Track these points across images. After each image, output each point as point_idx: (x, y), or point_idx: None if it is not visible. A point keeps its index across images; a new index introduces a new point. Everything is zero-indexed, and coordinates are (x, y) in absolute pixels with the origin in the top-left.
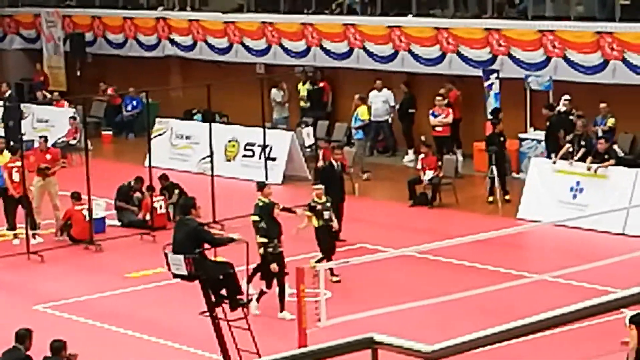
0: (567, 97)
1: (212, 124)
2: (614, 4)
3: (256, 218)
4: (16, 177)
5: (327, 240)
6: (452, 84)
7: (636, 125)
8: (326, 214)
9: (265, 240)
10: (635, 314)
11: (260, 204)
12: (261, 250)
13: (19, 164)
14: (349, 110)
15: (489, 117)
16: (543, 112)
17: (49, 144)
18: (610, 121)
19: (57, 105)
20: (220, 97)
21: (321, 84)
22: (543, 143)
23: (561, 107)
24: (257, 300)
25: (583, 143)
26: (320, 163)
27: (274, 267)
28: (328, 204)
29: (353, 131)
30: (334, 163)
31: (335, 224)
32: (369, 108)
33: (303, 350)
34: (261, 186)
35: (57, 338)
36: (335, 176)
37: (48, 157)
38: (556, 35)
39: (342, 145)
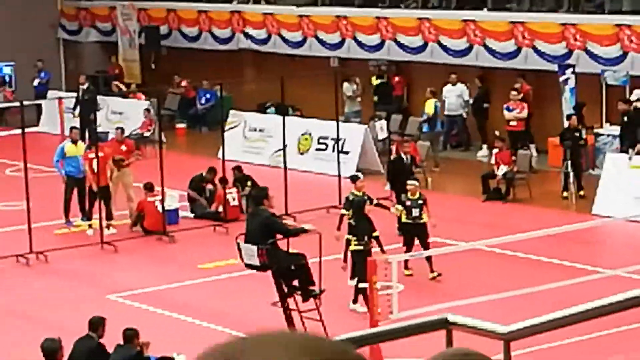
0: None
1: (286, 117)
2: None
3: (344, 212)
4: (96, 168)
5: (409, 238)
6: (523, 78)
7: None
8: (415, 211)
9: (351, 237)
10: None
11: (351, 197)
12: (351, 247)
13: (100, 154)
14: (423, 104)
15: (572, 111)
16: (619, 107)
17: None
18: None
19: (134, 98)
20: (294, 90)
21: (394, 78)
22: (618, 139)
23: (637, 103)
24: (355, 300)
25: None
26: (394, 156)
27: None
28: (420, 202)
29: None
30: (403, 156)
31: (427, 220)
32: (443, 103)
33: (381, 328)
34: (354, 179)
35: (129, 327)
36: (405, 169)
37: (123, 148)
38: (633, 29)
39: (415, 139)
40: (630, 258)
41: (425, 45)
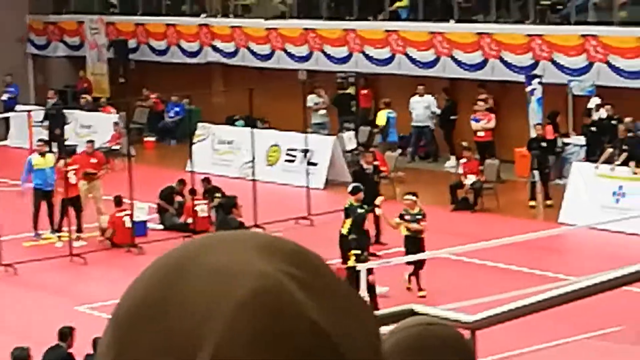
0: (597, 100)
1: (254, 130)
2: None
3: (347, 229)
4: (73, 179)
5: (412, 251)
6: (483, 88)
7: None
8: (413, 225)
9: (358, 252)
10: None
11: (350, 208)
12: (350, 262)
13: (75, 166)
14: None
15: (539, 121)
16: (585, 122)
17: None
18: None
19: (103, 111)
20: (262, 103)
21: (361, 90)
22: (585, 148)
23: (602, 114)
24: None
25: (625, 147)
26: (355, 168)
27: (372, 279)
28: (419, 217)
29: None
30: (365, 167)
31: (414, 226)
32: (410, 114)
33: None
34: (356, 191)
35: (99, 336)
36: (368, 179)
37: (94, 160)
38: (599, 40)
39: (383, 149)
40: (596, 266)
41: (393, 57)
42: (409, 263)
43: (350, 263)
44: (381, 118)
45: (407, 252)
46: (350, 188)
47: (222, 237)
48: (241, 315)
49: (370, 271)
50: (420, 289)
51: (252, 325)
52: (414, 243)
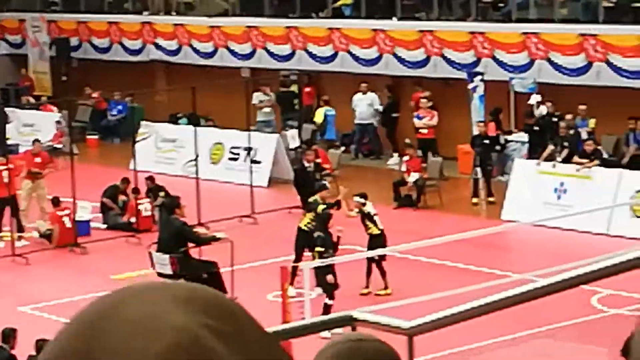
0: (538, 97)
1: (198, 128)
2: (597, 6)
3: (305, 224)
4: (6, 178)
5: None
6: (419, 86)
7: (619, 127)
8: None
9: (322, 249)
10: None
11: (313, 204)
12: (316, 260)
13: (10, 165)
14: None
15: (482, 118)
16: (526, 121)
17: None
18: (592, 122)
19: (44, 109)
20: (206, 101)
21: (304, 88)
22: (527, 145)
23: (542, 110)
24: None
25: (566, 144)
26: (297, 166)
27: (330, 278)
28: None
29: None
30: (307, 164)
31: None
32: (354, 111)
33: (285, 326)
34: (322, 188)
35: (42, 337)
36: (308, 177)
37: (38, 160)
38: (540, 37)
39: (325, 147)
40: (539, 262)
41: (336, 54)
42: (370, 263)
43: (316, 261)
44: (319, 115)
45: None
46: (317, 185)
47: (141, 289)
48: None
49: (330, 271)
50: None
51: None
52: (379, 242)
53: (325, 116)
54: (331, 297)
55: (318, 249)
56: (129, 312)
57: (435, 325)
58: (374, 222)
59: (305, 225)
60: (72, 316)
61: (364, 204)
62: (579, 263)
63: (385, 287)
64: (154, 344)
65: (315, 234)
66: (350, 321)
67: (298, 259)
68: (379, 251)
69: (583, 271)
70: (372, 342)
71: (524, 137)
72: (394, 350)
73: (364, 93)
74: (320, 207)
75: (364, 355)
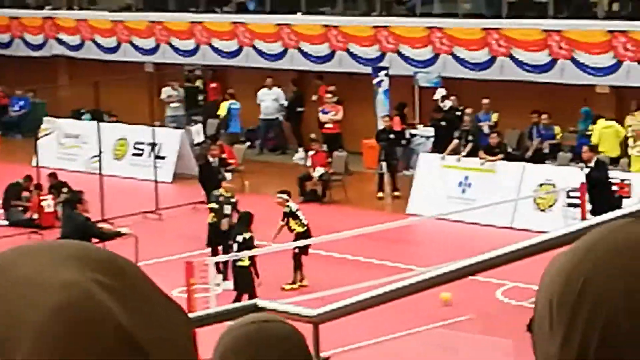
0: (443, 92)
1: (101, 123)
2: (500, 1)
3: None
4: None
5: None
6: (320, 80)
7: (523, 121)
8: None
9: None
10: None
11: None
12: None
13: None
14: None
15: (387, 112)
16: (434, 116)
17: None
18: (495, 116)
19: None
20: (109, 96)
21: (210, 83)
22: (432, 139)
23: (447, 105)
24: None
25: (471, 138)
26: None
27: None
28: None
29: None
30: (211, 160)
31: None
32: (259, 106)
33: (192, 315)
34: (222, 180)
35: None
36: (213, 172)
37: None
38: (444, 32)
39: (230, 142)
40: (443, 255)
41: (241, 49)
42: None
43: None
44: (223, 109)
45: (300, 249)
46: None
47: (31, 249)
48: (49, 323)
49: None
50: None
51: (61, 332)
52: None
53: (230, 110)
54: (251, 295)
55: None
56: (19, 272)
57: (339, 312)
58: (299, 219)
59: (212, 219)
60: None
61: (287, 200)
62: (481, 257)
63: (294, 282)
64: (45, 300)
65: (240, 238)
66: (255, 310)
67: (215, 252)
68: (289, 245)
69: (474, 261)
70: (276, 323)
71: (429, 131)
72: (298, 332)
73: (269, 88)
74: (244, 213)
75: (267, 337)
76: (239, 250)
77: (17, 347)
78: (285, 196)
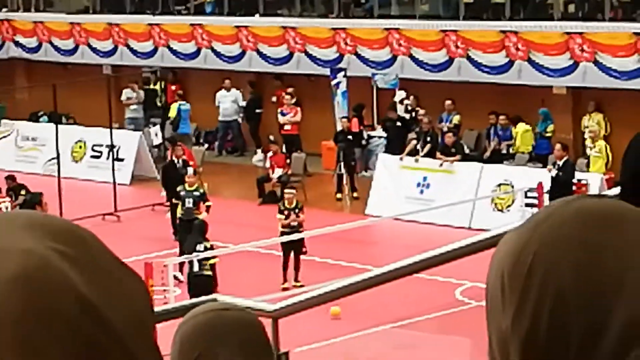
0: (403, 94)
1: (59, 126)
2: (458, 3)
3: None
4: None
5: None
6: (280, 81)
7: (481, 122)
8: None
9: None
10: None
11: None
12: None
13: None
14: (199, 110)
15: (345, 114)
16: (389, 115)
17: None
18: (456, 118)
19: None
20: (67, 98)
21: (169, 86)
22: (385, 139)
23: (407, 106)
24: None
25: (428, 139)
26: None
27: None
28: (297, 210)
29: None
30: (175, 161)
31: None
32: (218, 108)
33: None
34: (184, 175)
35: None
36: (177, 173)
37: None
38: (402, 33)
39: (190, 144)
40: (401, 255)
41: (199, 51)
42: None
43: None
44: (173, 110)
45: (285, 247)
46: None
47: None
48: (8, 293)
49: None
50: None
51: (20, 302)
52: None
53: (179, 110)
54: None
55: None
56: None
57: (297, 307)
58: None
59: (181, 215)
60: None
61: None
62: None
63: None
64: (2, 268)
65: (200, 247)
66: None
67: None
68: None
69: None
70: (235, 311)
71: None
72: (257, 319)
73: (228, 90)
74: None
75: (226, 324)
76: (200, 260)
77: None
78: (294, 191)
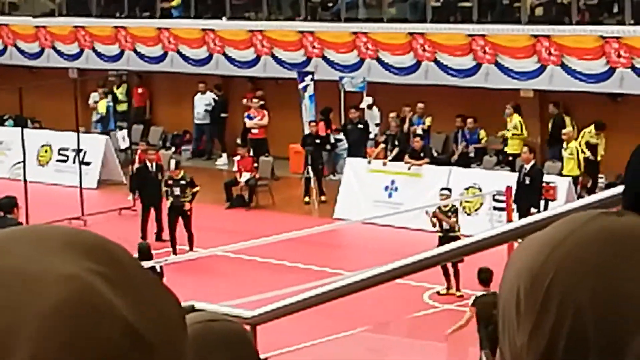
0: (369, 100)
1: (25, 130)
2: (425, 6)
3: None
4: None
5: None
6: (252, 84)
7: (448, 125)
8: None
9: None
10: (477, 297)
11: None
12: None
13: None
14: (165, 114)
15: (313, 117)
16: (350, 115)
17: None
18: (428, 120)
19: None
20: (33, 102)
21: (136, 89)
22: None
23: (375, 110)
24: None
25: (397, 143)
26: (138, 165)
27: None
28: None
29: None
30: (149, 164)
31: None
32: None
33: None
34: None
35: None
36: (150, 177)
37: None
38: (369, 37)
39: (158, 147)
40: (369, 259)
41: (165, 54)
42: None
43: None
44: (102, 107)
45: None
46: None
47: (15, 235)
48: (53, 322)
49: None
50: None
51: (66, 331)
52: None
53: (108, 108)
54: None
55: None
56: (9, 262)
57: (277, 313)
58: None
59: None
60: None
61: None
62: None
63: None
64: (45, 296)
65: None
66: (191, 312)
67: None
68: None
69: (408, 261)
70: (222, 322)
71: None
72: (244, 330)
73: (203, 93)
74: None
75: (214, 336)
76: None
77: (14, 346)
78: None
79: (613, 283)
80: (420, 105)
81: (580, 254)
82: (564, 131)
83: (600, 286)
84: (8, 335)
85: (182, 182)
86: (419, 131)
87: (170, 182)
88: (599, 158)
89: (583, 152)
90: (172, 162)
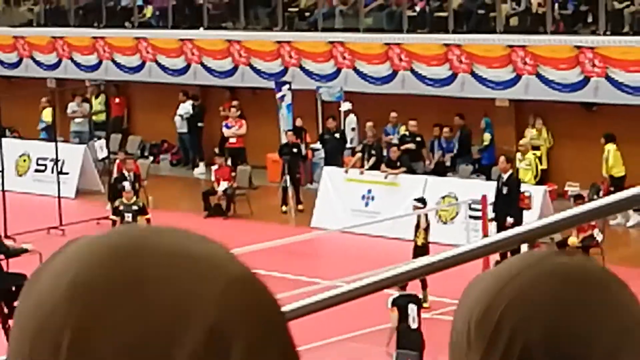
0: (348, 105)
1: (3, 139)
2: (401, 16)
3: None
4: None
5: None
6: (231, 93)
7: (425, 134)
8: None
9: None
10: (397, 297)
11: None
12: None
13: None
14: (143, 124)
15: (290, 127)
16: (328, 125)
17: None
18: (402, 129)
19: None
20: (11, 112)
21: (114, 99)
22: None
23: (352, 120)
24: None
25: (373, 152)
26: (115, 175)
27: None
28: None
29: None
30: (126, 174)
31: None
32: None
33: None
34: (121, 190)
35: None
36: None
37: None
38: (346, 47)
39: (136, 157)
40: (347, 268)
41: (143, 64)
42: None
43: None
44: (47, 115)
45: None
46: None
47: (161, 229)
48: (234, 292)
49: None
50: None
51: (242, 302)
52: None
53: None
54: None
55: None
56: (167, 242)
57: None
58: None
59: None
60: (83, 244)
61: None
62: (384, 268)
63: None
64: (222, 272)
65: None
66: None
67: None
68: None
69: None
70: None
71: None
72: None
73: (185, 102)
74: None
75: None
76: None
77: (189, 323)
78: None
79: (564, 321)
80: (393, 114)
81: (534, 290)
82: (520, 142)
83: (551, 323)
84: (185, 304)
85: (135, 207)
86: (395, 141)
87: (121, 207)
88: (610, 168)
89: (540, 162)
90: (127, 185)
